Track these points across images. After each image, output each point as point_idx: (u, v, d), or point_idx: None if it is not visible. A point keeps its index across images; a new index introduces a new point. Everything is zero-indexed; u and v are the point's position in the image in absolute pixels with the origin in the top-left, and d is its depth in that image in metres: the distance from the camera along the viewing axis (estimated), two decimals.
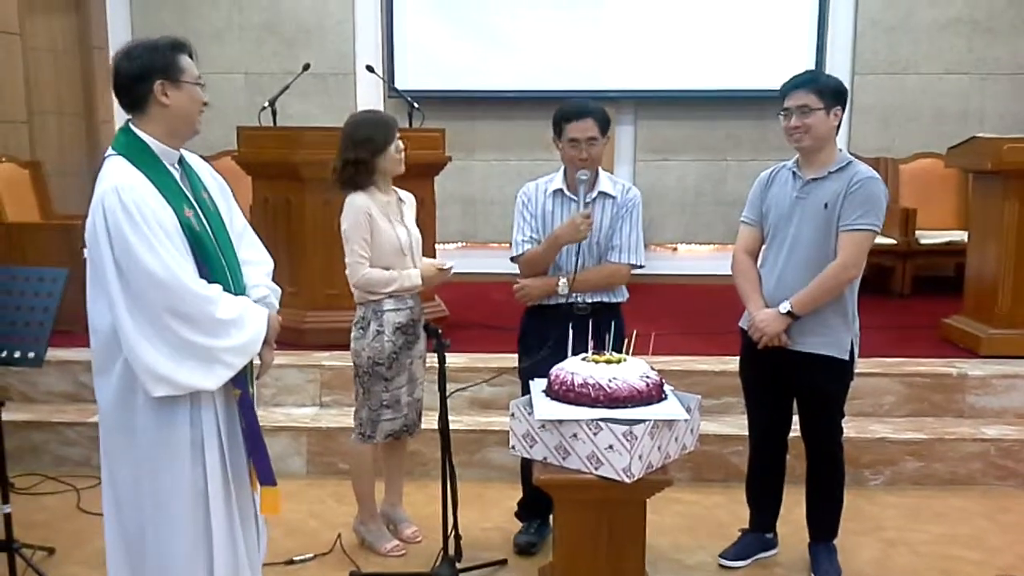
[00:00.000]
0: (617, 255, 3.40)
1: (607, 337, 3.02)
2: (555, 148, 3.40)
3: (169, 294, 2.29)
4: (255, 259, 2.65)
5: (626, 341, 2.99)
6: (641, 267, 3.44)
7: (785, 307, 3.15)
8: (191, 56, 2.46)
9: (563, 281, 3.34)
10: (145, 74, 2.37)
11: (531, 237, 3.41)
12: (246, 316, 2.44)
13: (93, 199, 2.33)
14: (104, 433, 2.47)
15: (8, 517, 3.22)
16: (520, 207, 3.47)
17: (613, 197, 3.40)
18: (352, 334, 3.42)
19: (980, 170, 4.94)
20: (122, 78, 2.40)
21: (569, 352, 2.99)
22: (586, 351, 2.98)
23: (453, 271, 3.54)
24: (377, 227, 3.34)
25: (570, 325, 3.09)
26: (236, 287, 2.49)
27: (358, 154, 3.33)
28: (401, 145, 3.40)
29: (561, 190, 3.41)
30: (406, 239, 3.43)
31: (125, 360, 2.34)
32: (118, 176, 2.33)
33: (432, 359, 3.24)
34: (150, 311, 2.29)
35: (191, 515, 2.44)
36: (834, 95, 3.13)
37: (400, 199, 3.51)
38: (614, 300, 3.45)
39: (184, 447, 2.42)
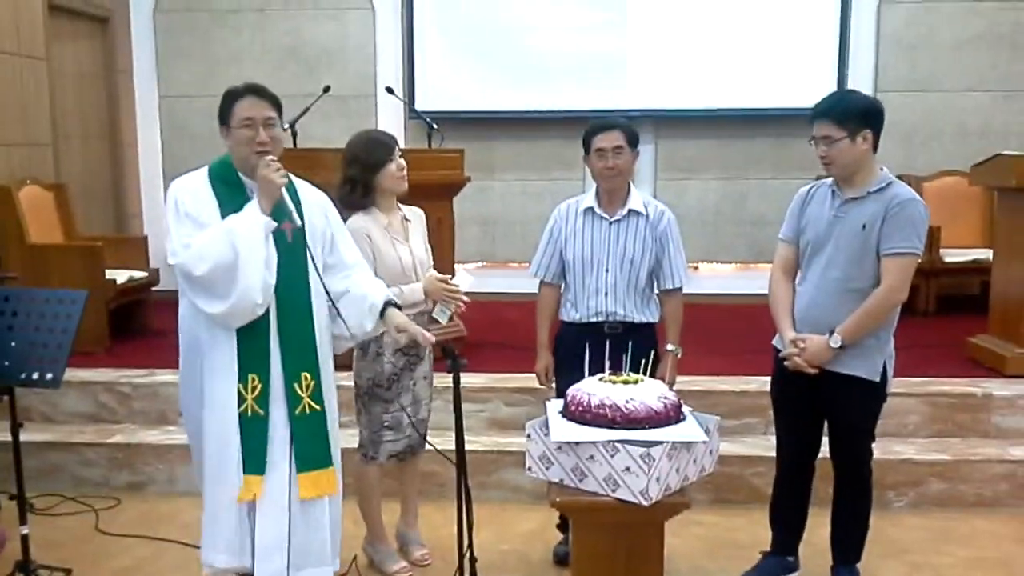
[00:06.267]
0: (671, 282, 3.45)
1: (644, 360, 2.98)
2: (586, 167, 3.45)
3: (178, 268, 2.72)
4: (358, 260, 3.03)
5: (646, 361, 2.95)
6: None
7: (836, 341, 3.05)
8: (260, 95, 2.78)
9: (674, 346, 3.46)
10: (218, 119, 2.82)
11: (550, 262, 3.48)
12: (206, 239, 2.67)
13: None
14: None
15: (25, 538, 3.23)
16: (550, 225, 3.51)
17: (644, 215, 3.41)
18: (354, 354, 3.41)
19: (1005, 187, 4.88)
20: None
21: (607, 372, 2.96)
22: (620, 371, 2.96)
23: (463, 288, 3.40)
24: (378, 249, 3.30)
25: (607, 344, 3.09)
26: (295, 292, 2.81)
27: (352, 173, 3.31)
28: (403, 163, 3.33)
29: (591, 208, 3.42)
30: (408, 260, 3.36)
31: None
32: (182, 178, 2.84)
33: (447, 379, 3.20)
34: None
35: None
36: (861, 118, 3.03)
37: (405, 218, 3.44)
38: (647, 320, 3.43)
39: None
